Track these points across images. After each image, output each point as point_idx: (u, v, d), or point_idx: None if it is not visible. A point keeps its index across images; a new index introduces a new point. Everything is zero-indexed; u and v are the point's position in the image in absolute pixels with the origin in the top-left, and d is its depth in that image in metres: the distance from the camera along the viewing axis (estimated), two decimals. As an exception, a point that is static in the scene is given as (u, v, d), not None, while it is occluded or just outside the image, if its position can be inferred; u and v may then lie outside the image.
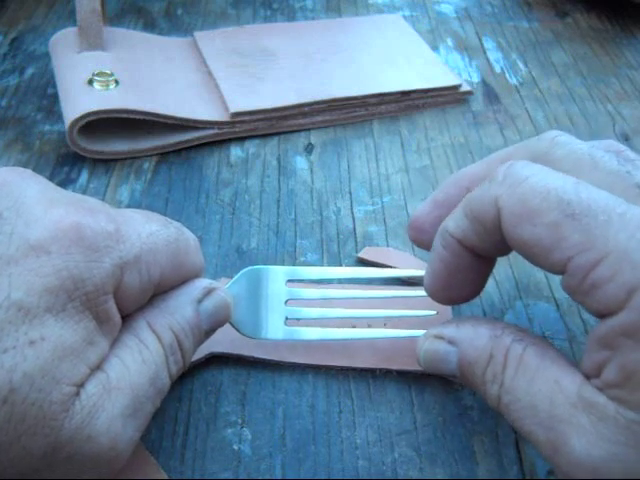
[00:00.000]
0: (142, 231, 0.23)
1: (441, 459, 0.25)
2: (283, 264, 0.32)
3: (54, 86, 0.41)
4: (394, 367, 0.28)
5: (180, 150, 0.39)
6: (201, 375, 0.28)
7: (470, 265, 0.25)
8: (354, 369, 0.28)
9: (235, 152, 0.39)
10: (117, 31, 0.44)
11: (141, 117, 0.37)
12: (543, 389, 0.22)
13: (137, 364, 0.22)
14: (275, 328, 0.27)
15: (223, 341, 0.28)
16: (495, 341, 0.23)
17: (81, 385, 0.20)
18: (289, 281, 0.28)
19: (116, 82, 0.38)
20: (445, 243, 0.25)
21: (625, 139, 0.41)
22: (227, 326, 0.28)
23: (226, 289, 0.26)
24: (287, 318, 0.27)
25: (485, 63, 0.48)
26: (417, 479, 0.25)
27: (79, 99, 0.37)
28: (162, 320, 0.23)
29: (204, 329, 0.25)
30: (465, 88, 0.44)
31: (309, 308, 0.28)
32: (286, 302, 0.28)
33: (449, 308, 0.30)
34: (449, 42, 0.50)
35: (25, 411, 0.19)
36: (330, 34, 0.47)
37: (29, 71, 0.45)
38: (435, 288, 0.26)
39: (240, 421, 0.26)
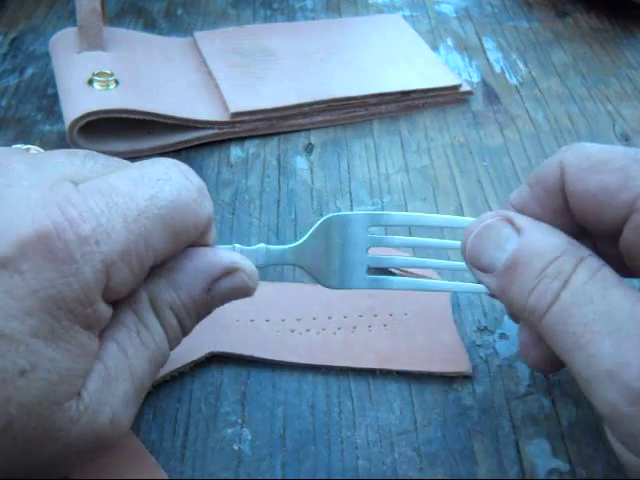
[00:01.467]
0: (128, 212, 0.20)
1: (441, 459, 0.25)
2: (283, 264, 0.32)
3: (54, 86, 0.41)
4: (394, 367, 0.28)
5: (180, 150, 0.39)
6: (201, 375, 0.28)
7: None
8: (354, 369, 0.28)
9: (235, 152, 0.39)
10: (117, 31, 0.44)
11: (141, 117, 0.37)
12: (623, 301, 0.20)
13: (135, 347, 0.21)
14: (357, 278, 0.26)
15: (223, 341, 0.28)
16: (571, 246, 0.22)
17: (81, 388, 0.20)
18: (371, 227, 0.26)
19: (116, 82, 0.38)
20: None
21: (625, 139, 0.41)
22: (227, 325, 0.29)
23: (249, 266, 0.23)
24: (369, 267, 0.26)
25: (485, 63, 0.48)
26: (417, 479, 0.25)
27: (79, 99, 0.37)
28: (165, 296, 0.22)
29: (214, 307, 0.23)
30: (465, 88, 0.44)
31: (391, 256, 0.27)
32: (367, 250, 0.26)
33: (449, 310, 0.30)
34: (449, 42, 0.50)
35: (28, 434, 0.19)
36: (330, 34, 0.47)
37: (29, 71, 0.45)
38: None
39: (240, 421, 0.26)
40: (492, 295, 0.24)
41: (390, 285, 0.26)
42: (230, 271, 0.23)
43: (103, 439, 0.21)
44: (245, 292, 0.24)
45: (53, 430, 0.19)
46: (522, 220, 0.23)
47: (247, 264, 0.23)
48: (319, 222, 0.26)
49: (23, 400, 0.18)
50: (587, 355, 0.20)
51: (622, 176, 0.21)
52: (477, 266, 0.23)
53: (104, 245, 0.19)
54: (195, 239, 0.23)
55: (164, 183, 0.21)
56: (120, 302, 0.21)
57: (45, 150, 0.38)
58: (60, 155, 0.22)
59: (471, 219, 0.25)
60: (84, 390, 0.20)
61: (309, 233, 0.25)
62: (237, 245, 0.25)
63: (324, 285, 0.26)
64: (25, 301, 0.18)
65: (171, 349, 0.23)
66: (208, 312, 0.23)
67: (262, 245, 0.25)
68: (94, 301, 0.19)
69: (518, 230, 0.22)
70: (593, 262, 0.21)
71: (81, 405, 0.20)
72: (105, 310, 0.20)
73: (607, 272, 0.21)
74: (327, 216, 0.26)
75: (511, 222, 0.23)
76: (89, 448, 0.20)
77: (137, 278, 0.21)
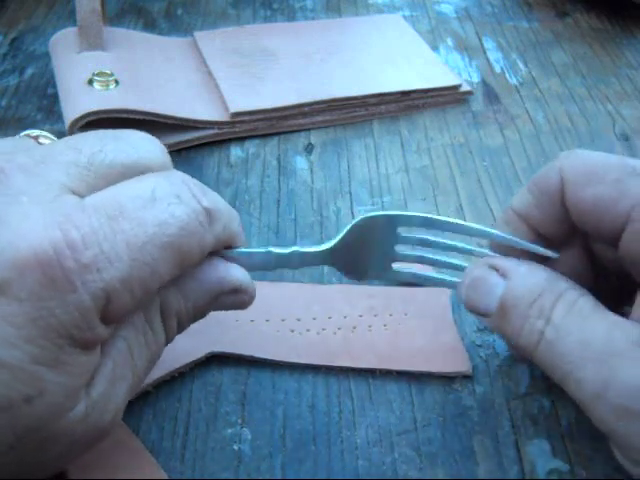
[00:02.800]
0: (135, 240, 0.19)
1: (441, 459, 0.25)
2: (283, 264, 0.32)
3: (54, 86, 0.41)
4: (394, 367, 0.28)
5: (180, 150, 0.39)
6: (201, 375, 0.28)
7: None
8: (354, 369, 0.28)
9: (235, 152, 0.39)
10: (117, 31, 0.44)
11: (141, 117, 0.37)
12: (598, 328, 0.21)
13: (140, 347, 0.21)
14: (384, 272, 0.27)
15: (223, 341, 0.28)
16: (550, 283, 0.23)
17: (88, 386, 0.20)
18: (400, 227, 0.27)
19: (116, 82, 0.38)
20: (508, 219, 0.26)
21: (625, 139, 0.41)
22: (227, 325, 0.29)
23: (252, 289, 0.24)
24: (394, 261, 0.27)
25: (485, 63, 0.48)
26: (417, 479, 0.25)
27: (79, 99, 0.37)
28: (175, 303, 0.22)
29: (206, 314, 0.24)
30: (465, 88, 0.44)
31: (417, 251, 0.28)
32: (394, 247, 0.27)
33: (449, 310, 0.30)
34: (449, 42, 0.50)
35: (36, 447, 0.19)
36: (330, 34, 0.47)
37: (29, 71, 0.45)
38: None
39: (240, 421, 0.26)
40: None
41: (419, 280, 0.28)
42: (237, 291, 0.23)
43: (103, 433, 0.21)
44: (240, 308, 0.24)
45: (59, 435, 0.19)
46: (506, 264, 0.24)
47: (252, 287, 0.24)
48: (351, 225, 0.26)
49: (30, 423, 0.18)
50: (574, 382, 0.22)
51: (617, 188, 0.23)
52: (475, 312, 0.25)
53: (105, 273, 0.19)
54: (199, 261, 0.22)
55: (175, 208, 0.21)
56: None
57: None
58: (63, 152, 0.21)
59: (508, 238, 0.26)
60: (93, 390, 0.20)
61: (341, 235, 0.26)
62: (272, 249, 0.25)
63: (354, 280, 0.27)
64: (24, 329, 0.18)
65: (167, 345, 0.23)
66: (202, 318, 0.24)
67: (296, 248, 0.25)
68: (94, 327, 0.19)
69: (504, 275, 0.24)
70: (571, 295, 0.23)
71: (89, 408, 0.20)
72: (104, 330, 0.20)
73: (583, 303, 0.22)
74: (359, 218, 0.26)
75: (496, 269, 0.24)
76: (91, 444, 0.21)
77: (139, 303, 0.20)
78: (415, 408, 0.27)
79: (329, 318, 0.29)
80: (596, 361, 0.21)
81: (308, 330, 0.29)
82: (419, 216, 0.27)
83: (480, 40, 0.51)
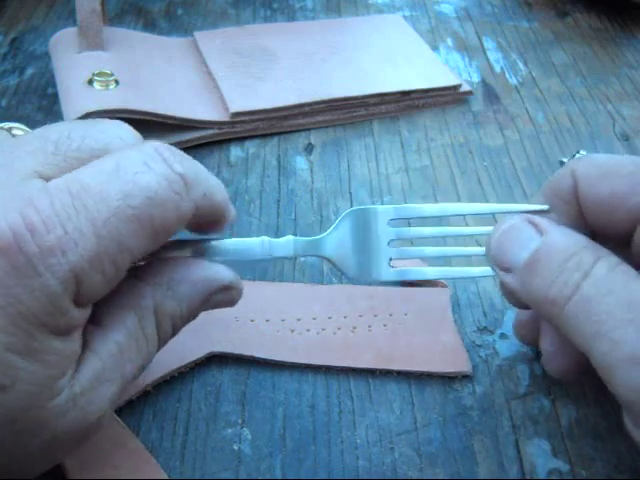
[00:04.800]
0: (98, 215, 0.19)
1: (441, 459, 0.25)
2: (283, 264, 0.32)
3: (54, 86, 0.41)
4: (394, 367, 0.28)
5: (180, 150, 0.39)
6: (201, 375, 0.28)
7: None
8: (354, 369, 0.28)
9: (235, 152, 0.39)
10: (117, 31, 0.44)
11: (141, 117, 0.37)
12: None
13: (132, 351, 0.21)
14: (379, 269, 0.27)
15: (223, 341, 0.28)
16: (591, 244, 0.22)
17: (72, 378, 0.20)
18: (392, 220, 0.27)
19: (116, 82, 0.38)
20: None
21: (625, 139, 0.41)
22: (227, 325, 0.29)
23: (241, 285, 0.24)
24: (391, 259, 0.27)
25: (485, 63, 0.48)
26: (417, 479, 0.25)
27: (79, 99, 0.37)
28: (169, 307, 0.22)
29: (198, 314, 0.24)
30: (465, 88, 0.44)
31: (412, 247, 0.28)
32: (389, 243, 0.27)
33: (449, 310, 0.30)
34: (449, 42, 0.50)
35: (13, 436, 0.19)
36: (330, 34, 0.47)
37: (29, 71, 0.45)
38: None
39: (240, 421, 0.26)
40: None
41: (413, 276, 0.28)
42: (227, 289, 0.23)
43: (88, 433, 0.21)
44: (229, 306, 0.25)
45: (39, 427, 0.19)
46: (545, 222, 0.24)
47: (240, 283, 0.24)
48: (343, 215, 0.26)
49: (6, 412, 0.18)
50: (610, 342, 0.20)
51: (630, 182, 0.23)
52: (500, 265, 0.24)
53: (71, 254, 0.18)
54: (177, 229, 0.22)
55: (141, 176, 0.20)
56: (126, 295, 0.21)
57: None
58: (31, 141, 0.21)
59: (494, 205, 0.26)
60: (77, 383, 0.20)
61: (334, 225, 0.26)
62: (266, 238, 0.25)
63: (349, 277, 0.27)
64: None
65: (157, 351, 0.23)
66: (195, 317, 0.24)
67: (290, 237, 0.26)
68: (65, 311, 0.19)
69: (541, 231, 0.23)
70: (612, 258, 0.22)
71: (70, 402, 0.20)
72: (79, 313, 0.19)
73: (626, 267, 0.22)
74: (349, 210, 0.26)
75: (534, 224, 0.24)
76: (74, 441, 0.21)
77: (111, 281, 0.20)
78: (415, 408, 0.27)
79: (329, 318, 0.29)
80: (637, 326, 0.20)
81: (308, 330, 0.29)
82: (410, 207, 0.27)
83: (480, 40, 0.51)
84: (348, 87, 0.42)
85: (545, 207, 0.25)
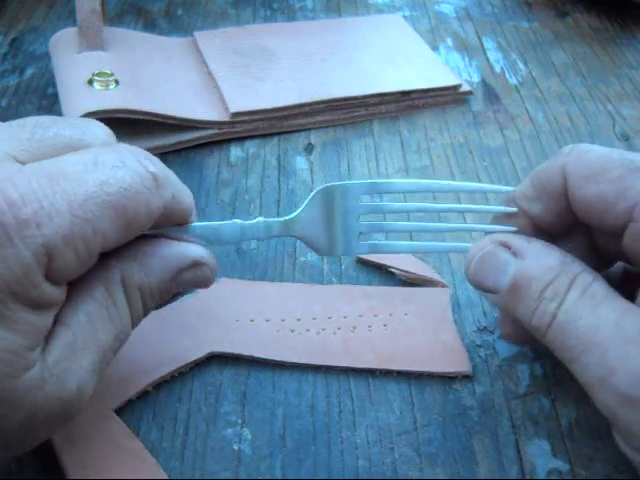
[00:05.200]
0: (75, 197, 0.20)
1: (441, 459, 0.25)
2: (283, 264, 0.32)
3: (54, 86, 0.41)
4: (394, 367, 0.28)
5: (180, 150, 0.39)
6: (201, 375, 0.28)
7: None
8: (354, 369, 0.28)
9: (235, 152, 0.39)
10: (117, 31, 0.44)
11: (141, 117, 0.37)
12: (609, 314, 0.22)
13: (103, 321, 0.22)
14: (350, 244, 0.27)
15: (223, 341, 0.28)
16: (565, 265, 0.23)
17: (43, 351, 0.20)
18: (363, 195, 0.27)
19: (116, 82, 0.38)
20: (510, 212, 0.26)
21: (625, 139, 0.41)
22: (227, 325, 0.29)
23: (213, 261, 0.25)
24: (361, 233, 0.27)
25: (485, 63, 0.48)
26: (417, 479, 0.25)
27: (79, 99, 0.37)
28: (137, 278, 0.23)
29: (172, 293, 0.24)
30: (465, 88, 0.44)
31: (382, 222, 0.28)
32: (360, 217, 0.27)
33: (449, 310, 0.30)
34: (449, 42, 0.50)
35: None
36: (330, 34, 0.47)
37: (29, 71, 0.45)
38: None
39: (240, 421, 0.26)
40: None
41: (385, 249, 0.28)
42: (197, 264, 0.24)
43: (69, 407, 0.21)
44: (204, 285, 0.25)
45: (16, 399, 0.19)
46: (517, 242, 0.24)
47: (212, 260, 0.25)
48: (313, 193, 0.26)
49: None
50: (581, 365, 0.22)
51: (619, 186, 0.23)
52: (482, 288, 0.25)
53: (45, 228, 0.19)
54: (150, 225, 0.23)
55: (117, 170, 0.21)
56: (93, 272, 0.22)
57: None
58: (6, 129, 0.22)
59: (464, 184, 0.27)
60: (49, 356, 0.20)
61: (304, 204, 0.26)
62: (237, 220, 0.26)
63: (322, 254, 0.27)
64: None
65: (132, 328, 0.23)
66: (167, 298, 0.24)
67: (260, 219, 0.26)
68: (37, 283, 0.19)
69: (515, 254, 0.24)
70: (585, 278, 0.23)
71: (46, 372, 0.20)
72: (53, 291, 0.20)
73: (597, 287, 0.23)
74: (320, 187, 0.27)
75: (507, 246, 0.25)
76: (55, 415, 0.21)
77: (84, 262, 0.20)
78: (415, 408, 0.27)
79: (329, 318, 0.29)
80: (604, 347, 0.21)
81: (308, 330, 0.29)
82: (381, 183, 0.27)
83: (480, 40, 0.51)
84: (348, 87, 0.42)
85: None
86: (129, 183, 0.21)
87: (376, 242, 0.28)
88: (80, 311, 0.21)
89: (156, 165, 0.22)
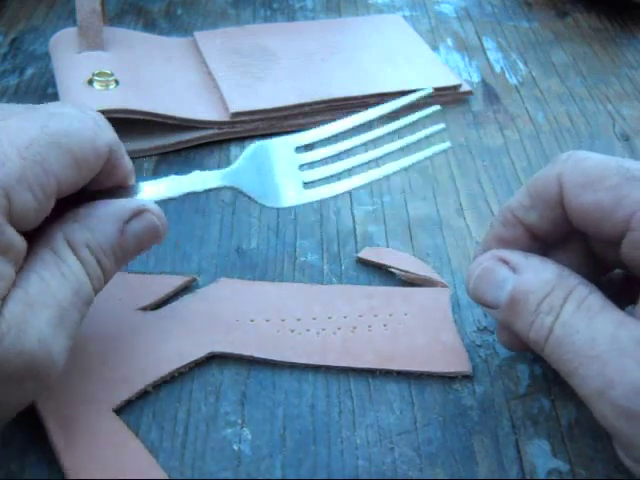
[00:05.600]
0: (20, 142, 0.21)
1: (441, 459, 0.25)
2: (283, 264, 0.32)
3: (54, 86, 0.41)
4: (394, 367, 0.28)
5: (180, 150, 0.39)
6: (201, 375, 0.28)
7: (525, 246, 0.26)
8: (354, 369, 0.28)
9: (235, 152, 0.39)
10: (117, 31, 0.44)
11: (141, 117, 0.37)
12: (606, 326, 0.22)
13: (57, 278, 0.22)
14: (295, 194, 0.27)
15: (223, 341, 0.28)
16: (561, 278, 0.24)
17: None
18: (299, 148, 0.28)
19: (116, 82, 0.38)
20: (505, 221, 0.26)
21: (625, 139, 0.41)
22: (227, 325, 0.29)
23: (156, 208, 0.25)
24: (305, 182, 0.27)
25: (485, 63, 0.48)
26: (417, 479, 0.25)
27: (79, 99, 0.37)
28: (80, 236, 0.23)
29: (130, 250, 0.24)
30: (465, 88, 0.44)
31: (324, 167, 0.28)
32: (300, 167, 0.27)
33: (449, 310, 0.30)
34: (449, 42, 0.50)
35: None
36: (330, 34, 0.47)
37: (29, 71, 0.45)
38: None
39: (240, 421, 0.26)
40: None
41: (328, 194, 0.29)
42: (139, 212, 0.24)
43: (33, 363, 0.21)
44: (155, 233, 0.25)
45: None
46: (515, 258, 0.25)
47: (155, 207, 0.25)
48: (245, 151, 0.27)
49: None
50: (579, 378, 0.22)
51: (616, 194, 0.23)
52: (482, 303, 0.26)
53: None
54: (100, 169, 0.24)
55: (56, 115, 0.22)
56: (38, 242, 0.22)
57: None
58: None
59: (386, 105, 0.31)
60: (5, 310, 0.20)
61: (240, 157, 0.27)
62: (175, 176, 0.27)
63: (264, 204, 0.28)
64: None
65: (96, 290, 0.23)
66: (125, 255, 0.25)
67: (197, 171, 0.27)
68: (1, 230, 0.20)
69: (514, 269, 0.24)
70: (581, 291, 0.23)
71: (3, 325, 0.20)
72: (15, 237, 0.21)
73: (593, 300, 0.23)
74: (252, 145, 0.27)
75: (506, 262, 0.25)
76: (20, 372, 0.21)
77: (42, 205, 0.21)
78: (415, 408, 0.27)
79: (329, 318, 0.29)
80: (601, 360, 0.21)
81: (308, 330, 0.29)
82: (311, 132, 0.28)
83: (480, 40, 0.51)
84: (348, 87, 0.42)
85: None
86: (68, 124, 0.22)
87: (320, 189, 0.29)
88: (29, 271, 0.22)
89: (94, 112, 0.24)
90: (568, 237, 0.26)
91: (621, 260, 0.24)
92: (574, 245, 0.26)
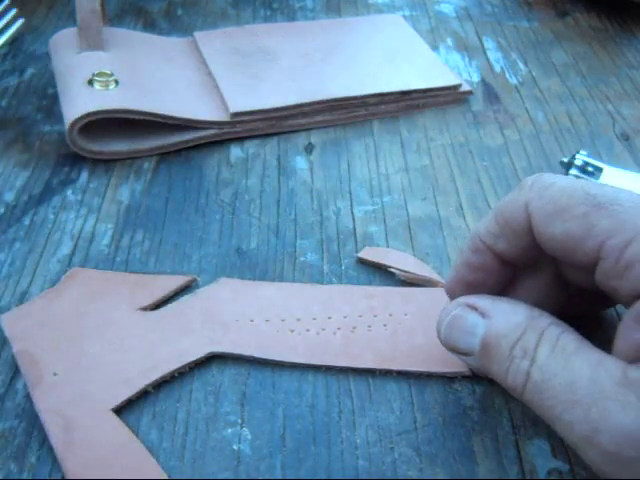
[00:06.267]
0: None
1: (441, 459, 0.25)
2: (283, 264, 0.32)
3: (54, 86, 0.41)
4: (394, 367, 0.28)
5: (180, 150, 0.39)
6: (201, 375, 0.28)
7: (496, 271, 0.25)
8: (354, 369, 0.28)
9: (235, 152, 0.39)
10: (117, 31, 0.44)
11: (141, 117, 0.37)
12: (583, 368, 0.21)
13: None
14: None
15: (223, 341, 0.28)
16: (532, 320, 0.23)
17: None
18: None
19: (116, 82, 0.38)
20: (475, 248, 0.25)
21: (625, 139, 0.41)
22: (227, 326, 0.29)
23: None
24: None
25: (485, 63, 0.48)
26: (417, 479, 0.25)
27: (79, 99, 0.37)
28: None
29: None
30: (465, 88, 0.44)
31: None
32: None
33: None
34: (449, 42, 0.50)
35: None
36: (330, 34, 0.47)
37: (29, 71, 0.45)
38: (456, 290, 0.26)
39: (240, 421, 0.26)
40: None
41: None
42: None
43: None
44: None
45: None
46: (483, 303, 0.24)
47: None
48: None
49: None
50: (563, 424, 0.21)
51: (584, 223, 0.22)
52: (456, 351, 0.25)
53: None
54: None
55: None
56: None
57: (45, 150, 0.38)
58: None
59: None
60: None
61: None
62: None
63: None
64: None
65: None
66: None
67: None
68: None
69: (483, 314, 0.24)
70: (553, 332, 0.23)
71: None
72: None
73: (566, 340, 0.22)
74: None
75: (474, 308, 0.24)
76: None
77: None
78: (415, 408, 0.27)
79: (329, 318, 0.29)
80: (583, 404, 0.21)
81: (308, 330, 0.29)
82: None
83: (480, 40, 0.51)
84: (348, 87, 0.42)
85: None
86: None
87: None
88: None
89: None
90: (538, 260, 0.25)
91: (596, 286, 0.23)
92: (543, 268, 0.26)
